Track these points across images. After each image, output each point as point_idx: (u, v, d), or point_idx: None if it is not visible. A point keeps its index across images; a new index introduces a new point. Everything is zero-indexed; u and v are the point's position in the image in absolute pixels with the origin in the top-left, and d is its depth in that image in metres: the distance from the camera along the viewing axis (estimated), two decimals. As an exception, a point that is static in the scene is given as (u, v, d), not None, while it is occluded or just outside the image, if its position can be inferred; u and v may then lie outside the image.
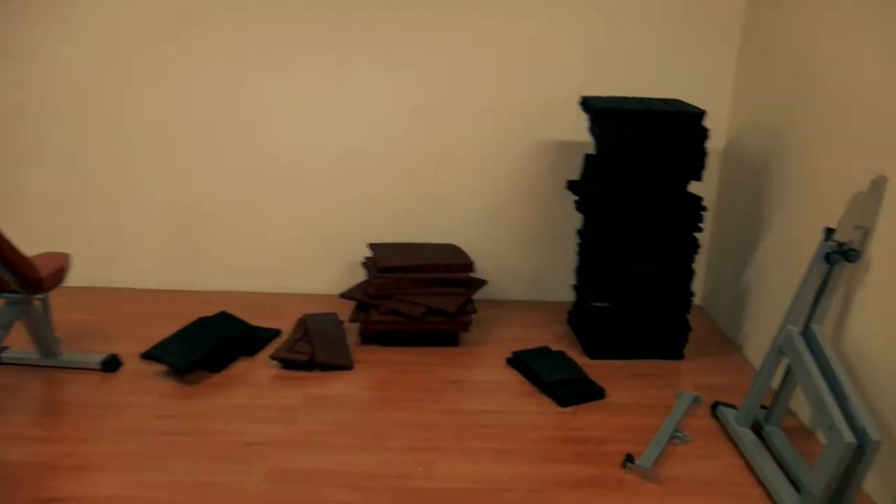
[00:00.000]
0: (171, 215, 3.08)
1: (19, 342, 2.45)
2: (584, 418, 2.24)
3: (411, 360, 2.59)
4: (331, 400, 2.30)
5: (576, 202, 2.79)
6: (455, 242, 3.07)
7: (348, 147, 3.03)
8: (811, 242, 2.23)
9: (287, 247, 3.14)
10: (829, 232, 2.02)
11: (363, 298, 2.73)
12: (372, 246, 2.94)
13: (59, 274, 2.30)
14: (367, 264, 2.89)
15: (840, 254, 2.00)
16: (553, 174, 3.06)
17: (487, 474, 1.94)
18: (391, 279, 2.70)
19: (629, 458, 1.98)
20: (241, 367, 2.49)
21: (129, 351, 2.54)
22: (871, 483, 1.90)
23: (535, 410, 2.28)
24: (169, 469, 1.92)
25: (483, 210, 3.11)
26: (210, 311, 2.83)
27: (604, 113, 2.50)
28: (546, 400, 2.34)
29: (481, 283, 2.88)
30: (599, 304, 2.63)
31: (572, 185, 2.80)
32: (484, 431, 2.15)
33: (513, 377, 2.50)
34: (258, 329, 2.71)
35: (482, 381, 2.47)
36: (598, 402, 2.34)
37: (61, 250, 2.52)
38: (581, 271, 2.87)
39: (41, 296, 2.24)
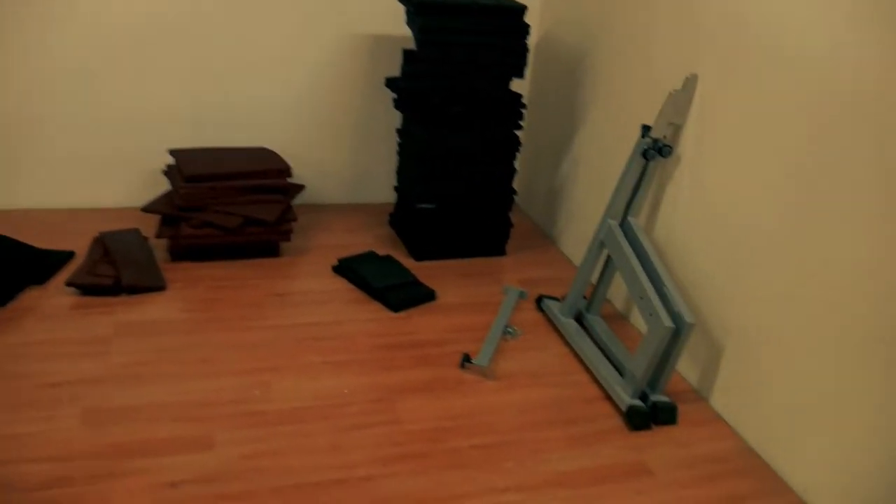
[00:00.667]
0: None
1: None
2: (418, 322, 2.24)
3: (230, 275, 2.42)
4: (146, 326, 2.09)
5: (395, 100, 2.68)
6: (266, 146, 2.86)
7: (137, 43, 2.65)
8: (622, 139, 2.33)
9: (72, 156, 2.74)
10: (646, 129, 2.10)
11: (170, 211, 2.48)
12: (173, 152, 2.65)
13: None
14: (170, 173, 2.61)
15: (655, 150, 2.09)
16: (369, 70, 2.91)
17: (328, 389, 1.88)
18: (201, 189, 2.47)
19: (466, 358, 2.02)
20: (30, 297, 2.18)
21: None
22: (682, 362, 2.08)
23: (368, 318, 2.24)
24: (-41, 424, 1.66)
25: (294, 110, 2.90)
26: (-19, 235, 2.43)
27: (424, 6, 2.38)
28: (378, 306, 2.31)
29: (299, 188, 2.72)
30: (423, 206, 2.59)
31: (391, 83, 2.68)
32: (318, 345, 2.07)
33: (341, 285, 2.42)
34: (46, 252, 2.37)
35: (309, 292, 2.37)
36: (429, 305, 2.35)
37: None
38: (402, 172, 2.81)
39: None
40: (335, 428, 1.74)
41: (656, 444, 1.79)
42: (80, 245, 2.47)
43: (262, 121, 2.87)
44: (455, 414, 1.83)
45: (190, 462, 1.60)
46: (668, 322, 1.82)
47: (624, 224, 2.16)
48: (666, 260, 2.16)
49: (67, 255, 2.40)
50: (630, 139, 2.13)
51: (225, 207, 2.48)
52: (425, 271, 2.52)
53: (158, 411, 1.75)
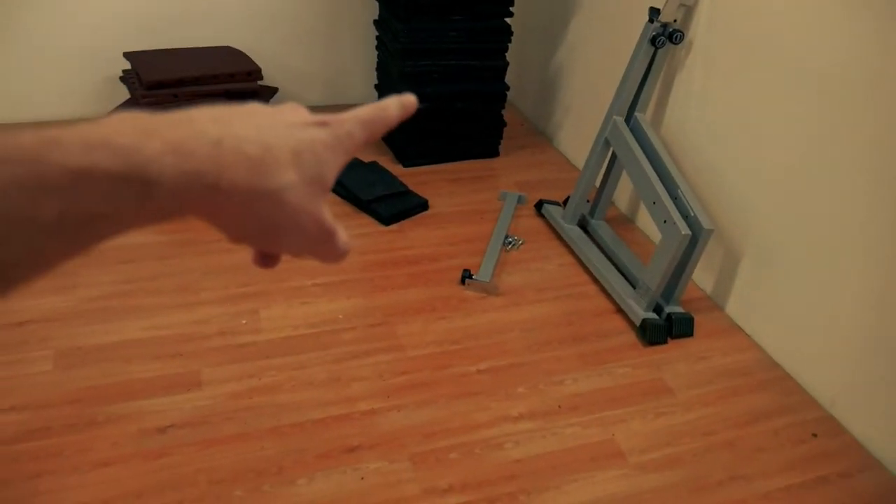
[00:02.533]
0: None
1: None
2: (411, 235, 2.09)
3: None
4: (115, 253, 1.91)
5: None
6: (228, 45, 2.60)
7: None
8: (625, 23, 2.11)
9: (24, 68, 2.47)
10: (655, 12, 1.89)
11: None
12: (129, 56, 2.39)
13: None
14: (128, 79, 2.37)
15: (665, 36, 1.89)
16: (339, -46, 2.62)
17: (321, 315, 1.75)
18: (163, 96, 2.23)
19: (467, 274, 1.88)
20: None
21: None
22: (696, 270, 1.96)
23: (357, 233, 2.08)
24: (-85, 374, 1.50)
25: (259, 5, 2.62)
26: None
27: None
28: (367, 220, 2.14)
29: (272, 91, 2.50)
30: (409, 106, 2.38)
31: (366, -32, 2.41)
32: (307, 264, 1.91)
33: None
34: None
35: (292, 207, 2.19)
36: (422, 215, 2.18)
37: None
38: (382, 69, 2.58)
39: None
40: (332, 358, 1.62)
41: (673, 359, 1.69)
42: None
43: (224, 16, 2.59)
44: (459, 336, 1.71)
45: (176, 404, 1.48)
46: (684, 229, 1.68)
47: (630, 120, 1.98)
48: (677, 160, 2.00)
49: None
50: (635, 23, 1.92)
51: (192, 116, 2.25)
52: (414, 178, 2.34)
53: (136, 349, 1.60)
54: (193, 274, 1.85)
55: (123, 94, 2.47)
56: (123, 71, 2.43)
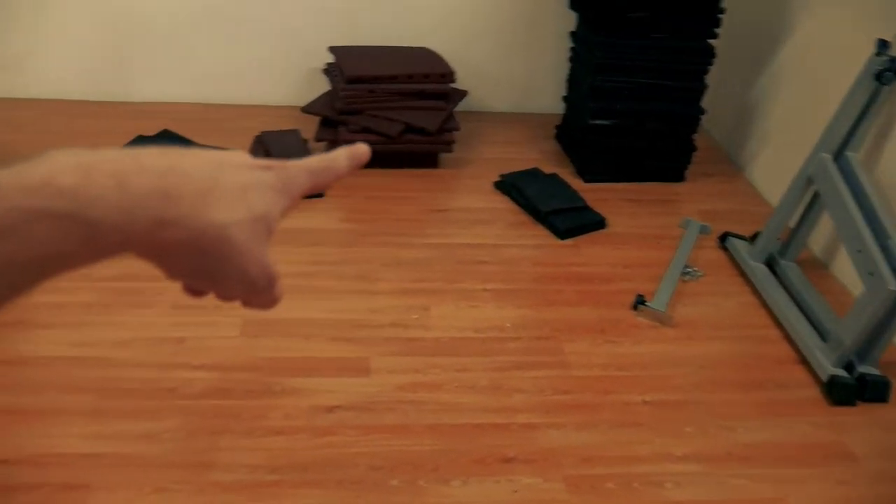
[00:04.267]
0: (97, 11, 2.56)
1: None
2: (586, 252, 2.05)
3: (388, 184, 2.31)
4: (304, 235, 2.03)
5: (570, -1, 2.41)
6: (425, 45, 2.68)
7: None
8: (844, 54, 1.95)
9: (234, 49, 2.69)
10: (884, 45, 1.74)
11: (330, 114, 2.38)
12: (334, 50, 2.53)
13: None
14: (331, 72, 2.50)
15: (893, 72, 1.74)
16: (545, -36, 2.62)
17: (489, 320, 1.76)
18: (361, 91, 2.34)
19: (640, 300, 1.82)
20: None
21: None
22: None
23: (533, 244, 2.07)
24: (125, 322, 1.67)
25: (457, 7, 2.68)
26: (148, 126, 2.45)
27: None
28: (542, 231, 2.13)
29: (462, 94, 2.54)
30: (596, 122, 2.35)
31: (569, -21, 2.40)
32: (480, 269, 1.94)
33: (503, 204, 2.25)
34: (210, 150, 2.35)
35: (471, 210, 2.22)
36: (598, 233, 2.14)
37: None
38: (574, 81, 2.55)
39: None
40: (496, 365, 1.62)
41: (861, 424, 1.55)
42: (241, 143, 2.44)
43: (422, 17, 2.68)
44: (626, 363, 1.66)
45: (346, 386, 1.54)
46: (892, 284, 1.53)
47: (840, 159, 1.83)
48: (892, 207, 1.83)
49: (229, 154, 2.37)
50: (855, 55, 1.78)
51: (385, 113, 2.35)
52: (594, 194, 2.30)
53: (316, 328, 1.69)
54: (372, 264, 1.93)
55: (323, 85, 2.61)
56: (327, 64, 2.57)
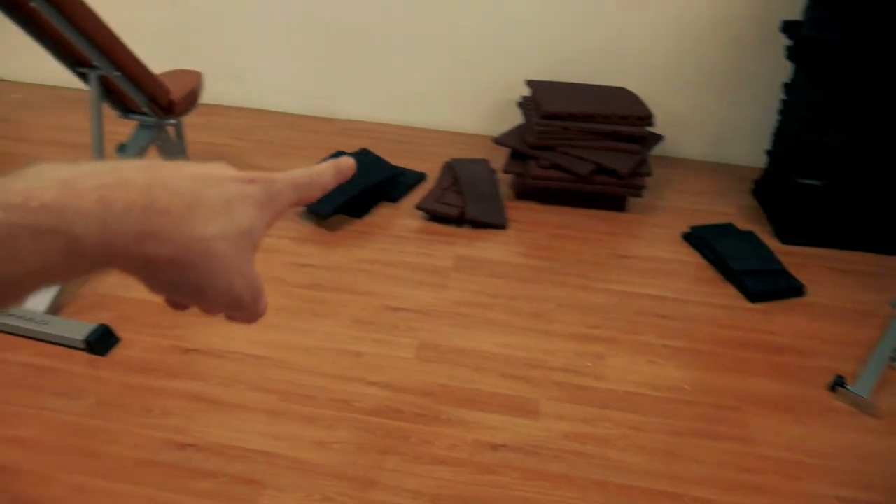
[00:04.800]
0: (312, 32, 2.75)
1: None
2: (780, 320, 1.90)
3: (573, 223, 2.28)
4: (484, 264, 2.04)
5: (788, 48, 2.26)
6: (624, 86, 2.62)
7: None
8: None
9: (433, 75, 2.78)
10: None
11: (521, 147, 2.39)
12: (532, 84, 2.54)
13: (192, 97, 2.06)
14: (526, 106, 2.51)
15: None
16: (756, 9, 2.49)
17: (667, 379, 1.67)
18: (556, 127, 2.33)
19: (839, 381, 1.66)
20: (382, 213, 2.25)
21: (265, 183, 2.34)
22: None
23: (720, 303, 1.95)
24: (310, 329, 1.75)
25: (661, 50, 2.61)
26: (348, 143, 2.58)
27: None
28: (732, 291, 2.00)
29: (657, 139, 2.47)
30: (805, 181, 2.18)
31: (790, 28, 2.26)
32: (660, 323, 1.85)
33: (691, 258, 2.15)
34: (402, 171, 2.43)
35: (656, 259, 2.14)
36: (794, 301, 1.98)
37: (192, 67, 2.27)
38: (782, 135, 2.40)
39: (174, 121, 2.02)
40: (672, 429, 1.53)
41: None
42: (429, 167, 2.51)
43: (623, 57, 2.63)
44: (819, 449, 1.51)
45: (512, 426, 1.51)
46: None
47: None
48: None
49: (419, 177, 2.44)
50: None
51: (577, 151, 2.32)
52: (792, 258, 2.14)
53: (487, 361, 1.68)
54: (549, 303, 1.90)
55: (516, 117, 2.63)
56: (523, 97, 2.59)
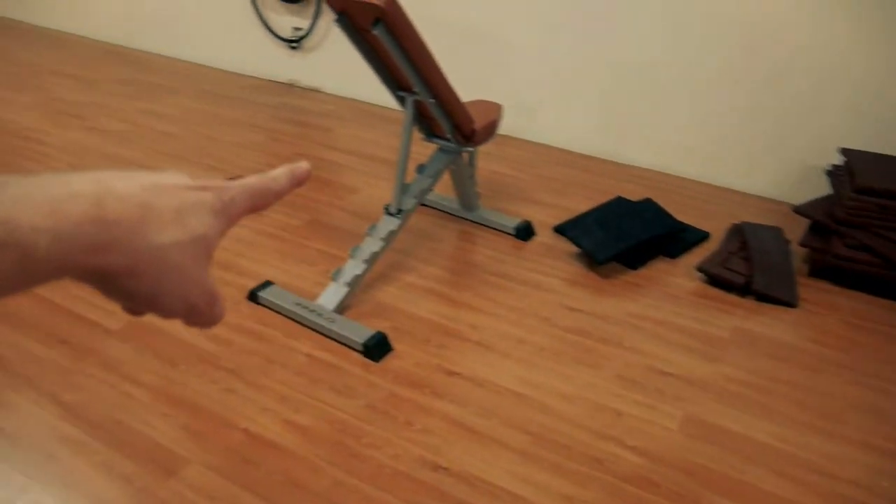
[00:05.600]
0: (604, 72, 2.74)
1: (440, 186, 2.40)
2: None
3: (875, 315, 2.01)
4: (765, 342, 1.86)
5: None
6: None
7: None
8: None
9: (727, 128, 2.62)
10: None
11: (824, 220, 2.16)
12: (847, 152, 2.29)
13: (491, 128, 2.13)
14: (837, 175, 2.27)
15: None
16: None
17: None
18: (871, 204, 2.07)
19: None
20: (659, 268, 2.16)
21: (541, 219, 2.36)
22: None
23: None
24: (571, 376, 1.71)
25: None
26: (631, 190, 2.52)
27: None
28: None
29: None
30: None
31: None
32: None
33: None
34: (684, 227, 2.32)
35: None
36: None
37: (486, 96, 2.35)
38: None
39: (471, 148, 2.10)
40: None
41: None
42: (714, 226, 2.36)
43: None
44: None
45: (783, 533, 1.35)
46: None
47: None
48: None
49: (703, 236, 2.31)
50: None
51: (891, 234, 2.04)
52: None
53: (760, 452, 1.52)
54: (839, 401, 1.68)
55: (820, 187, 2.39)
56: (833, 165, 2.35)
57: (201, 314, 0.44)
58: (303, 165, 0.48)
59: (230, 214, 0.44)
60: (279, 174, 0.47)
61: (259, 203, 0.46)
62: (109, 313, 1.85)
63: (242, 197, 0.44)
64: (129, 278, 0.39)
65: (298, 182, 0.48)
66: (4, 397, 1.58)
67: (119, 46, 4.10)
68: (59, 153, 2.72)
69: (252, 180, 0.45)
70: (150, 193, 0.39)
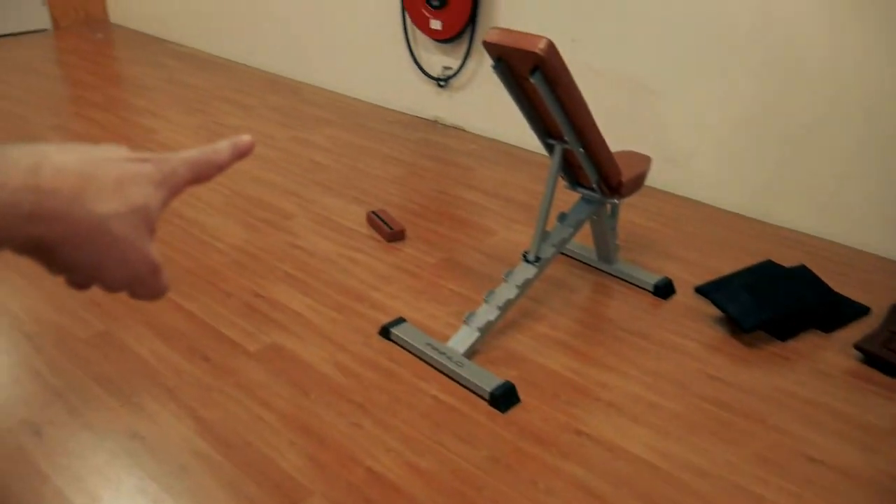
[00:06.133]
0: (755, 127, 2.60)
1: (578, 235, 2.35)
2: None
3: None
4: (929, 439, 1.68)
5: None
6: None
7: None
8: None
9: (888, 189, 2.41)
10: None
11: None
12: None
13: (639, 181, 2.07)
14: None
15: None
16: None
17: None
18: None
19: None
20: (810, 342, 2.00)
21: (682, 277, 2.25)
22: None
23: None
24: (707, 450, 1.60)
25: None
26: (782, 254, 2.36)
27: None
28: None
29: None
30: None
31: None
32: None
33: None
34: (841, 299, 2.14)
35: None
36: None
37: (632, 145, 2.28)
38: None
39: (616, 201, 2.05)
40: None
41: None
42: (876, 300, 2.17)
43: None
44: None
45: None
46: None
47: None
48: None
49: (862, 310, 2.13)
50: None
51: None
52: None
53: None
54: None
55: None
56: None
57: (145, 285, 0.44)
58: (244, 138, 0.48)
59: (171, 185, 0.44)
60: (221, 146, 0.47)
61: (202, 174, 0.46)
62: (249, 334, 1.92)
63: (184, 168, 0.45)
64: (70, 249, 0.39)
65: (240, 154, 0.48)
66: (147, 405, 1.67)
67: (277, 76, 4.34)
68: (216, 175, 2.88)
69: (193, 152, 0.46)
70: (89, 164, 0.40)
